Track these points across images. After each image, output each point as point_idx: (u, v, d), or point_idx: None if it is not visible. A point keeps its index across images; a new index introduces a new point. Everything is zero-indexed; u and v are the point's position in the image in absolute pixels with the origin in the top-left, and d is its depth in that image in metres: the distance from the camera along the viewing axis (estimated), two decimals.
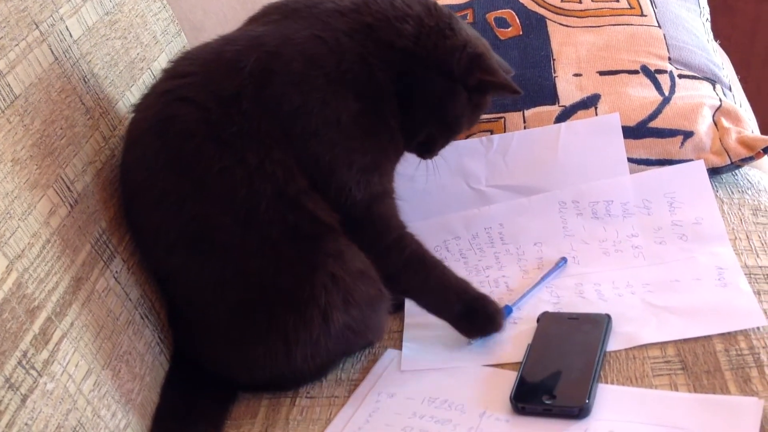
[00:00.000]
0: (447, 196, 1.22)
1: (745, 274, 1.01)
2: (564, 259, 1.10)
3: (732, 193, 1.18)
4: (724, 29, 1.67)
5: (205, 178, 0.93)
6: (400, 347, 1.04)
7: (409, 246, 1.01)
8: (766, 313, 0.95)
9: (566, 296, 1.05)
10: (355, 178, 0.97)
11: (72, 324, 0.86)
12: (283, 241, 0.94)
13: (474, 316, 1.01)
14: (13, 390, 0.76)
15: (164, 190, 0.95)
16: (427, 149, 1.07)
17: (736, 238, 1.08)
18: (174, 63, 1.02)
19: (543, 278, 1.07)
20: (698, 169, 1.15)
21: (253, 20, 1.04)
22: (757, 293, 0.98)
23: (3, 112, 0.86)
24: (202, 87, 0.95)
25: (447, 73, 0.99)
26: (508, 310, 1.03)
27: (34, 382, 0.79)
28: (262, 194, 0.93)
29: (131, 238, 1.01)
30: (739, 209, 1.13)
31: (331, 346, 0.98)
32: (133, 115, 1.02)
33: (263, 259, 0.94)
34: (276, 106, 0.94)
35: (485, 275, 1.12)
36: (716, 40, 1.52)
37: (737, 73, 1.58)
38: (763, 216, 1.12)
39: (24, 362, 0.78)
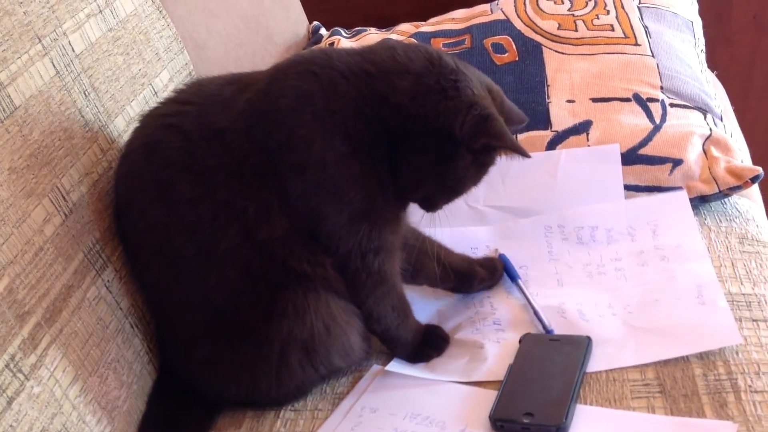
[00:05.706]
0: (443, 213, 1.23)
1: (728, 301, 1.02)
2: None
3: (720, 221, 1.19)
4: (722, 60, 1.69)
5: (174, 208, 0.94)
6: (386, 363, 1.05)
7: (397, 296, 1.02)
8: (746, 339, 0.96)
9: (549, 316, 1.05)
10: (345, 227, 0.94)
11: (61, 330, 0.88)
12: (243, 285, 0.94)
13: (428, 343, 1.05)
14: None
15: (142, 211, 0.97)
16: (429, 205, 1.01)
17: (721, 265, 1.09)
18: (185, 87, 1.04)
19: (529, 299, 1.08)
20: (681, 198, 1.17)
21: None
22: (739, 320, 0.99)
23: (2, 122, 0.89)
24: (195, 118, 0.96)
25: (448, 135, 0.92)
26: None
27: (21, 385, 0.81)
28: (224, 233, 0.93)
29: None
30: (726, 237, 1.14)
31: (295, 380, 0.99)
32: (137, 125, 1.04)
33: (223, 294, 0.95)
34: (264, 143, 0.92)
35: (474, 311, 1.11)
36: (714, 71, 1.54)
37: (735, 104, 1.59)
38: (749, 244, 1.13)
39: (11, 365, 0.80)
